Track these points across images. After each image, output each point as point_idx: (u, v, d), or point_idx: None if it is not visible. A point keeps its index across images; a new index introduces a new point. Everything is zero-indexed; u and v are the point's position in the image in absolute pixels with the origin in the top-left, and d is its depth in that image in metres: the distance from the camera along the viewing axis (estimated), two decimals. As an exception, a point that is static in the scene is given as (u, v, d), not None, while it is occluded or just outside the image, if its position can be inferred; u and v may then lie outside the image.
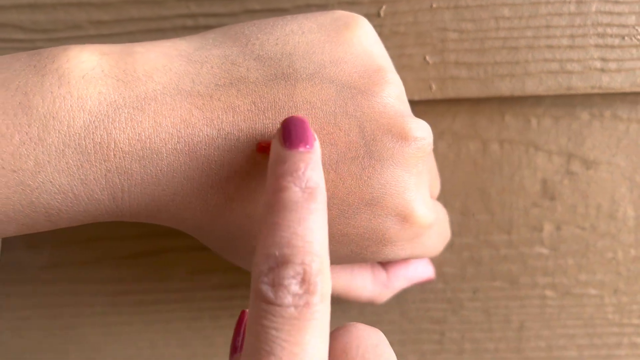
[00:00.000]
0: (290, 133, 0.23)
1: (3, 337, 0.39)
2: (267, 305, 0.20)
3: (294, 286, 0.20)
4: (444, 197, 0.36)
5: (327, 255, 0.22)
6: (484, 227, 0.37)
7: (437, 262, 0.37)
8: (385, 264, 0.34)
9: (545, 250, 0.37)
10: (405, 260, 0.34)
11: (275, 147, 0.23)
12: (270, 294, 0.20)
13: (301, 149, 0.23)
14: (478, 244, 0.37)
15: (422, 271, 0.35)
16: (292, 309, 0.20)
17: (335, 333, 0.23)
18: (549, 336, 0.38)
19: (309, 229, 0.21)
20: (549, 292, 0.37)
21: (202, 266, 0.38)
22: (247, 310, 0.27)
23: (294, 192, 0.22)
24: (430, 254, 0.31)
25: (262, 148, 0.25)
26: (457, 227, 0.36)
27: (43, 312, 0.38)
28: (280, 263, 0.20)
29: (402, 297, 0.37)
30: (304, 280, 0.20)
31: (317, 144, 0.23)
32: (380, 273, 0.33)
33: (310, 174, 0.22)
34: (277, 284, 0.20)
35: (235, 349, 0.26)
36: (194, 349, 0.39)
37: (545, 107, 0.35)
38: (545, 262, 0.37)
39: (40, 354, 0.39)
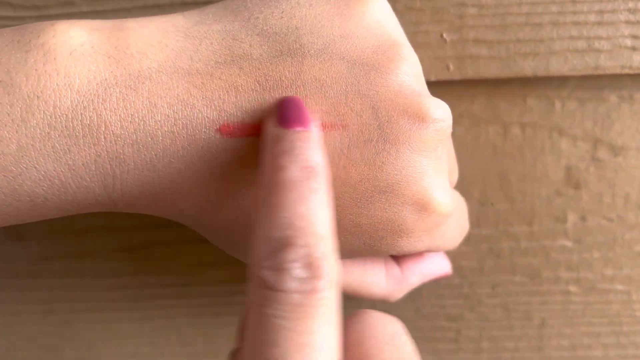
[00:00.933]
0: (287, 113, 0.22)
1: (-7, 333, 0.37)
2: (269, 292, 0.19)
3: (298, 270, 0.19)
4: (461, 185, 0.33)
5: (332, 238, 0.20)
6: (504, 218, 0.34)
7: (454, 255, 0.34)
8: (398, 259, 0.32)
9: (569, 243, 0.34)
10: (420, 254, 0.31)
11: (270, 127, 0.22)
12: (272, 279, 0.19)
13: (298, 128, 0.21)
14: (497, 236, 0.34)
15: (438, 266, 0.32)
16: (297, 295, 0.18)
17: (348, 322, 0.22)
18: (573, 334, 0.35)
19: (312, 209, 0.19)
20: (572, 288, 0.35)
21: (202, 259, 0.36)
22: None
23: (293, 170, 0.20)
24: (448, 246, 0.28)
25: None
26: (475, 218, 0.34)
27: (35, 307, 0.37)
28: (282, 246, 0.19)
29: (417, 293, 0.34)
30: (309, 264, 0.19)
31: (314, 125, 0.22)
32: (394, 268, 0.31)
33: (309, 152, 0.21)
34: (279, 269, 0.19)
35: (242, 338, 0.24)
36: (195, 346, 0.37)
37: (570, 88, 0.33)
38: (569, 255, 0.34)
39: (33, 350, 0.37)
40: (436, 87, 0.32)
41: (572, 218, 0.34)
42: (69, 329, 0.37)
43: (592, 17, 0.31)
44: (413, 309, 0.36)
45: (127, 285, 0.36)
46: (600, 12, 0.31)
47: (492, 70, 0.32)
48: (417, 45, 0.31)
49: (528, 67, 0.31)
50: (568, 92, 0.33)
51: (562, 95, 0.33)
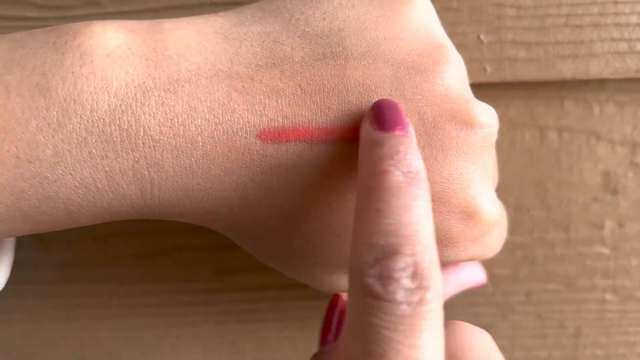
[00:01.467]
0: (385, 115, 0.21)
1: (16, 339, 0.36)
2: (375, 301, 0.18)
3: (405, 279, 0.18)
4: (497, 191, 0.32)
5: (435, 247, 0.19)
6: (539, 224, 0.33)
7: (487, 262, 0.33)
8: None
9: (605, 250, 0.34)
10: (455, 263, 0.31)
11: (368, 130, 0.21)
12: (378, 288, 0.18)
13: (398, 132, 0.21)
14: (532, 243, 0.34)
15: (473, 276, 0.31)
16: (405, 306, 0.18)
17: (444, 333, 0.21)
18: (608, 344, 0.35)
19: (416, 216, 0.19)
20: (609, 296, 0.34)
21: (228, 265, 0.35)
22: (343, 298, 0.25)
23: (397, 175, 0.19)
24: (489, 255, 0.28)
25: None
26: (510, 224, 0.33)
27: (58, 314, 0.36)
28: (388, 253, 0.18)
29: (449, 301, 0.34)
30: (416, 274, 0.18)
31: (411, 129, 0.21)
32: None
33: (411, 157, 0.20)
34: (386, 277, 0.18)
35: (325, 341, 0.24)
36: (220, 355, 0.36)
37: (609, 92, 0.32)
38: (606, 262, 0.34)
39: (55, 357, 0.37)
40: (473, 89, 0.31)
41: (609, 224, 0.33)
42: (92, 336, 0.36)
43: (634, 19, 0.30)
44: (445, 317, 0.35)
45: (151, 292, 0.35)
46: (643, 13, 0.30)
47: (530, 73, 0.31)
48: (454, 46, 0.30)
49: (567, 70, 0.31)
50: (607, 95, 0.32)
51: (600, 98, 0.32)
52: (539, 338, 0.35)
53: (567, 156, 0.33)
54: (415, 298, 0.18)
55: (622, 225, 0.33)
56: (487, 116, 0.23)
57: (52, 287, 0.35)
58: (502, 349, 0.34)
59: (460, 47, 0.30)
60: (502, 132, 0.32)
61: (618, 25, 0.30)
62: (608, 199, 0.33)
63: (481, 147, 0.23)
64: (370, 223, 0.19)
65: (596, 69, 0.31)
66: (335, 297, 0.24)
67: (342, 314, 0.26)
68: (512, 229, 0.33)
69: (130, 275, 0.35)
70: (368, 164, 0.20)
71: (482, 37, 0.30)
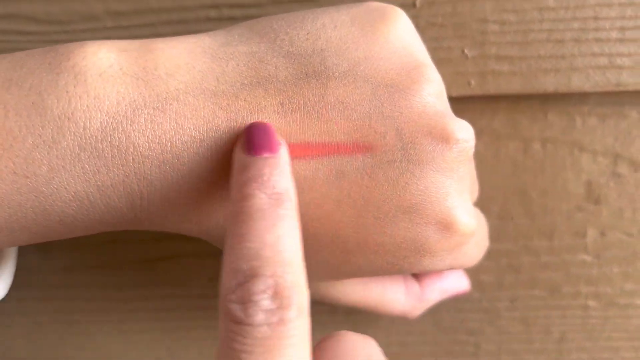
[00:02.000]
0: (253, 139, 0.22)
1: (17, 342, 0.37)
2: (236, 326, 0.18)
3: (265, 301, 0.18)
4: (481, 201, 0.33)
5: (302, 264, 0.20)
6: (524, 232, 0.34)
7: (474, 269, 0.34)
8: (418, 276, 0.32)
9: (588, 258, 0.34)
10: (439, 272, 0.31)
11: (238, 154, 0.22)
12: (239, 312, 0.18)
13: (265, 155, 0.21)
14: (517, 250, 0.34)
15: (457, 283, 0.32)
16: (264, 328, 0.18)
17: (323, 345, 0.21)
18: (592, 349, 0.35)
19: (279, 236, 0.19)
20: (592, 302, 0.35)
21: (223, 271, 0.36)
22: None
23: (260, 199, 0.20)
24: (469, 264, 0.28)
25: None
26: (495, 232, 0.34)
27: (58, 318, 0.37)
28: (249, 277, 0.18)
29: (436, 307, 0.34)
30: (276, 294, 0.18)
31: (283, 150, 0.22)
32: (414, 286, 0.31)
33: (276, 179, 0.21)
34: (246, 301, 0.18)
35: None
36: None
37: (591, 105, 0.33)
38: (589, 270, 0.35)
39: (54, 361, 0.38)
40: (457, 102, 0.32)
41: (592, 233, 0.34)
42: (91, 340, 0.37)
43: (614, 34, 0.31)
44: (432, 322, 0.36)
45: (148, 297, 0.36)
46: (622, 29, 0.31)
47: (513, 86, 0.32)
48: (439, 60, 0.31)
49: (549, 84, 0.32)
50: (589, 108, 0.33)
51: (583, 111, 0.33)
52: (525, 343, 0.36)
53: (550, 166, 0.33)
54: (275, 319, 0.18)
55: (604, 233, 0.34)
56: (463, 132, 0.24)
57: (51, 292, 0.36)
58: (489, 353, 0.36)
59: (445, 61, 0.31)
60: (486, 143, 0.33)
61: (599, 40, 0.31)
62: (591, 208, 0.34)
63: (457, 161, 0.24)
64: (234, 248, 0.19)
65: (578, 83, 0.31)
66: None
67: None
68: (498, 237, 0.34)
69: (128, 280, 0.36)
70: (235, 188, 0.21)
71: (466, 51, 0.31)
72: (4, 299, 0.28)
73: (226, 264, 0.19)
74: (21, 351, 0.37)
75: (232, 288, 0.19)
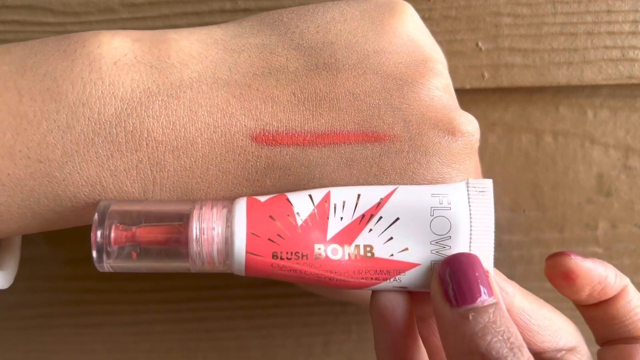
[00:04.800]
0: (466, 287, 0.22)
1: (29, 333, 0.37)
2: None
3: None
4: (494, 192, 0.34)
5: None
6: (535, 224, 0.35)
7: (485, 261, 0.35)
8: None
9: (599, 250, 0.35)
10: None
11: (445, 308, 0.22)
12: None
13: (487, 301, 0.22)
14: (529, 242, 0.35)
15: None
16: None
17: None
18: (602, 340, 0.36)
19: None
20: (602, 294, 0.35)
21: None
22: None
23: (501, 348, 0.21)
24: None
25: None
26: (507, 224, 0.34)
27: (69, 309, 0.37)
28: None
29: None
30: None
31: (497, 291, 0.23)
32: None
33: (508, 324, 0.21)
34: None
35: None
36: (227, 350, 0.37)
37: (602, 97, 0.33)
38: (600, 262, 0.35)
39: (65, 353, 0.38)
40: (471, 94, 0.32)
41: (602, 225, 0.34)
42: (102, 331, 0.37)
43: (626, 27, 0.31)
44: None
45: (159, 288, 0.36)
46: (635, 22, 0.31)
47: (526, 79, 0.32)
48: (453, 53, 0.32)
49: (562, 76, 0.32)
50: (600, 101, 0.33)
51: (594, 104, 0.33)
52: (535, 335, 0.36)
53: (562, 159, 0.34)
54: None
55: (615, 226, 0.34)
56: (468, 125, 0.24)
57: (62, 283, 0.36)
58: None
59: (459, 53, 0.32)
60: (499, 135, 0.33)
61: (611, 33, 0.31)
62: (601, 200, 0.34)
63: (462, 153, 0.25)
64: None
65: (590, 76, 0.32)
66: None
67: None
68: (509, 228, 0.34)
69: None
70: (462, 344, 0.21)
71: (480, 44, 0.32)
72: (9, 288, 0.28)
73: None
74: (34, 341, 0.37)
75: None
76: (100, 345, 0.37)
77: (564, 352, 0.26)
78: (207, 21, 0.32)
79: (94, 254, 0.23)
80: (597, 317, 0.27)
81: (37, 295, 0.37)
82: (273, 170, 0.24)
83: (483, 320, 0.21)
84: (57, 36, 0.24)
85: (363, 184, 0.24)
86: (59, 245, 0.36)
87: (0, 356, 0.37)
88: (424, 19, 0.31)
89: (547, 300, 0.35)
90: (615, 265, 0.34)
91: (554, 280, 0.26)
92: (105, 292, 0.37)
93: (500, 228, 0.34)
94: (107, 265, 0.23)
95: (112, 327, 0.37)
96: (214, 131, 0.23)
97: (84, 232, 0.35)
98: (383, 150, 0.24)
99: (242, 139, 0.23)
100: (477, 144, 0.25)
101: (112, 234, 0.23)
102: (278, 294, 0.36)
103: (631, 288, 0.26)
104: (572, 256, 0.25)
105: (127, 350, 0.37)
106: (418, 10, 0.30)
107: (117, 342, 0.37)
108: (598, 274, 0.25)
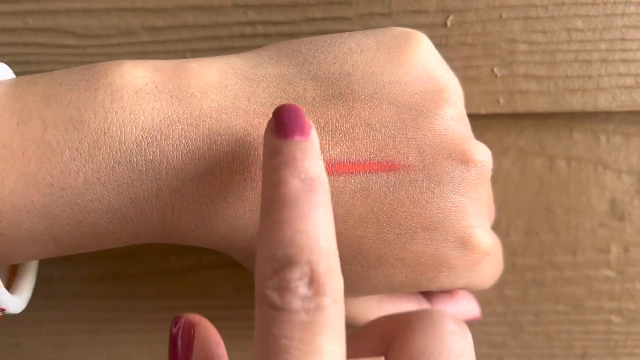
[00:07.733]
0: (284, 121, 0.21)
1: (44, 351, 0.37)
2: (274, 312, 0.19)
3: (301, 288, 0.19)
4: (507, 216, 0.34)
5: (336, 252, 0.20)
6: (548, 248, 0.35)
7: (498, 284, 0.35)
8: (431, 299, 0.32)
9: (612, 273, 0.35)
10: (451, 296, 0.32)
11: (268, 139, 0.21)
12: (276, 299, 0.19)
13: (297, 138, 0.21)
14: (541, 265, 0.35)
15: (468, 309, 0.33)
16: (302, 314, 0.18)
17: (406, 318, 0.22)
18: (614, 364, 0.36)
19: (313, 224, 0.19)
20: (614, 318, 0.35)
21: (248, 282, 0.36)
22: (186, 317, 0.26)
23: (294, 184, 0.20)
24: (484, 285, 0.29)
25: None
26: (520, 247, 0.35)
27: (85, 327, 0.37)
28: (285, 264, 0.19)
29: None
30: (312, 281, 0.19)
31: (314, 133, 0.21)
32: (426, 307, 0.32)
33: (309, 164, 0.20)
34: (283, 288, 0.19)
35: None
36: (241, 369, 0.37)
37: (616, 123, 0.33)
38: (612, 285, 0.35)
39: (79, 370, 0.38)
40: (485, 119, 0.33)
41: (615, 249, 0.35)
42: (117, 350, 0.37)
43: (640, 55, 0.32)
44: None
45: (174, 307, 0.37)
46: (648, 50, 0.32)
47: (541, 105, 0.32)
48: (469, 79, 0.32)
49: (576, 102, 0.32)
50: (614, 127, 0.33)
51: (607, 129, 0.33)
52: (548, 357, 0.36)
53: (575, 184, 0.34)
54: (311, 305, 0.18)
55: (627, 250, 0.35)
56: (481, 155, 0.25)
57: (78, 301, 0.37)
58: (512, 367, 0.36)
59: (474, 79, 0.32)
60: (513, 160, 0.34)
61: (625, 61, 0.32)
62: (614, 225, 0.34)
63: (475, 183, 0.25)
64: (269, 236, 0.19)
65: (604, 102, 0.32)
66: (175, 318, 0.25)
67: (186, 334, 0.27)
68: (522, 252, 0.35)
69: (153, 291, 0.37)
70: (267, 174, 0.21)
71: (495, 70, 0.32)
72: (19, 312, 0.28)
73: (261, 251, 0.19)
74: (49, 359, 0.37)
75: (268, 275, 0.19)
76: (114, 363, 0.38)
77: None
78: (227, 45, 0.32)
79: None
80: None
81: (53, 313, 0.37)
82: None
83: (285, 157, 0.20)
84: (82, 66, 0.25)
85: (377, 214, 0.24)
86: (75, 266, 0.36)
87: (15, 373, 0.38)
88: (440, 45, 0.32)
89: (560, 323, 0.36)
90: (627, 290, 0.35)
91: None
92: (120, 311, 0.37)
93: (514, 251, 0.34)
94: None
95: (128, 345, 0.37)
96: (232, 160, 0.23)
97: (99, 253, 0.36)
98: (398, 179, 0.24)
99: (259, 167, 0.24)
100: (489, 174, 0.26)
101: None
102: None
103: None
104: None
105: (142, 368, 0.38)
106: (435, 37, 0.31)
107: (132, 360, 0.37)
108: None
